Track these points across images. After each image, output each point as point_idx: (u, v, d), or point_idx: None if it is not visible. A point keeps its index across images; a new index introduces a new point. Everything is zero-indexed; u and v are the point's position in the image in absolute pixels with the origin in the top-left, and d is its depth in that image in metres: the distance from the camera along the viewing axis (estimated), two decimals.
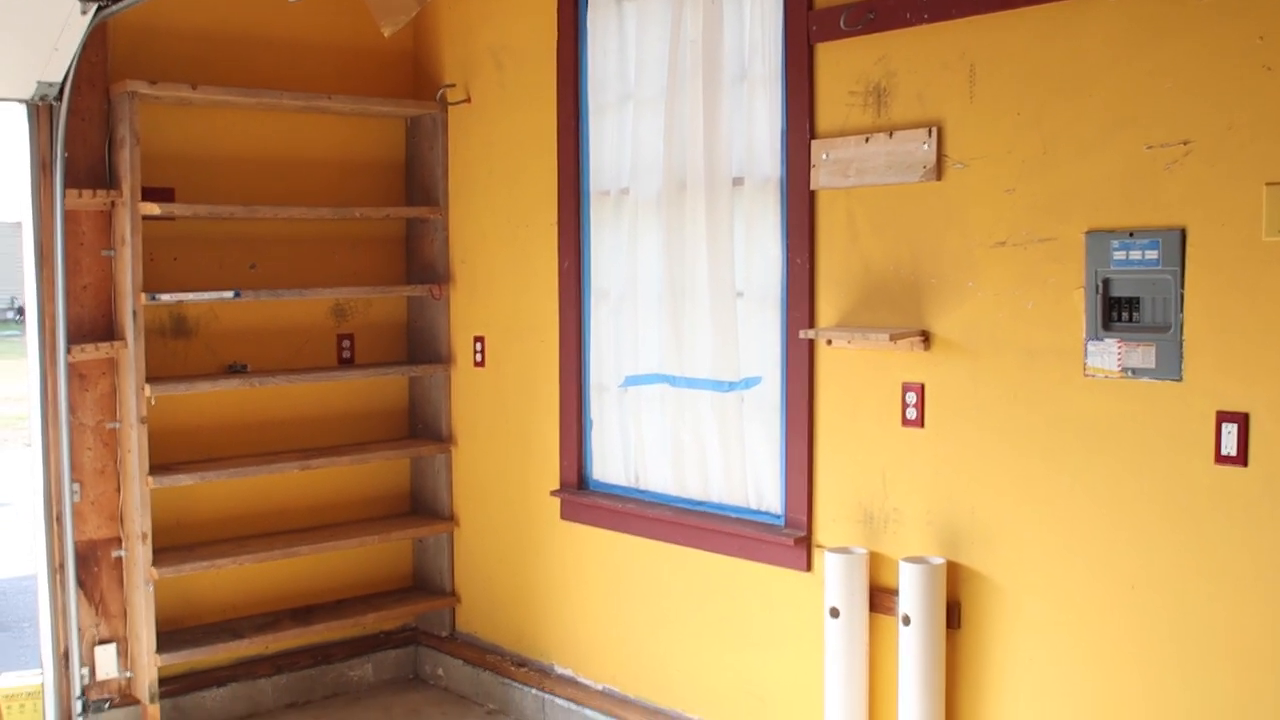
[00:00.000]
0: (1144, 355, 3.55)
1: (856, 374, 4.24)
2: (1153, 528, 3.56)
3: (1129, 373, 3.59)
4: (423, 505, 6.07)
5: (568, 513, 5.29)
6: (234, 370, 5.49)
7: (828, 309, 4.30)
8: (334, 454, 5.65)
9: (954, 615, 3.99)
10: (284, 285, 5.61)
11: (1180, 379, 3.49)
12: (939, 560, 3.99)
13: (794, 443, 4.40)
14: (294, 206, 5.46)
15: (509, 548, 5.63)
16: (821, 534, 4.36)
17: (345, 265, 5.85)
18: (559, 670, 5.41)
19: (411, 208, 5.87)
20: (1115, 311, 3.62)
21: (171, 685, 5.30)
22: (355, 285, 5.77)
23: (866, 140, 4.15)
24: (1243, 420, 3.37)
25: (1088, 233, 3.66)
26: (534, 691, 5.43)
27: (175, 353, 5.38)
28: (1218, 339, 3.42)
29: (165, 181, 5.25)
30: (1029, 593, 3.84)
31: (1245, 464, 3.37)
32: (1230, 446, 3.40)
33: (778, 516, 4.52)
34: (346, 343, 5.88)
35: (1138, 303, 3.58)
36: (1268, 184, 3.30)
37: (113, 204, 5.04)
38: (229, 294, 5.23)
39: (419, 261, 5.96)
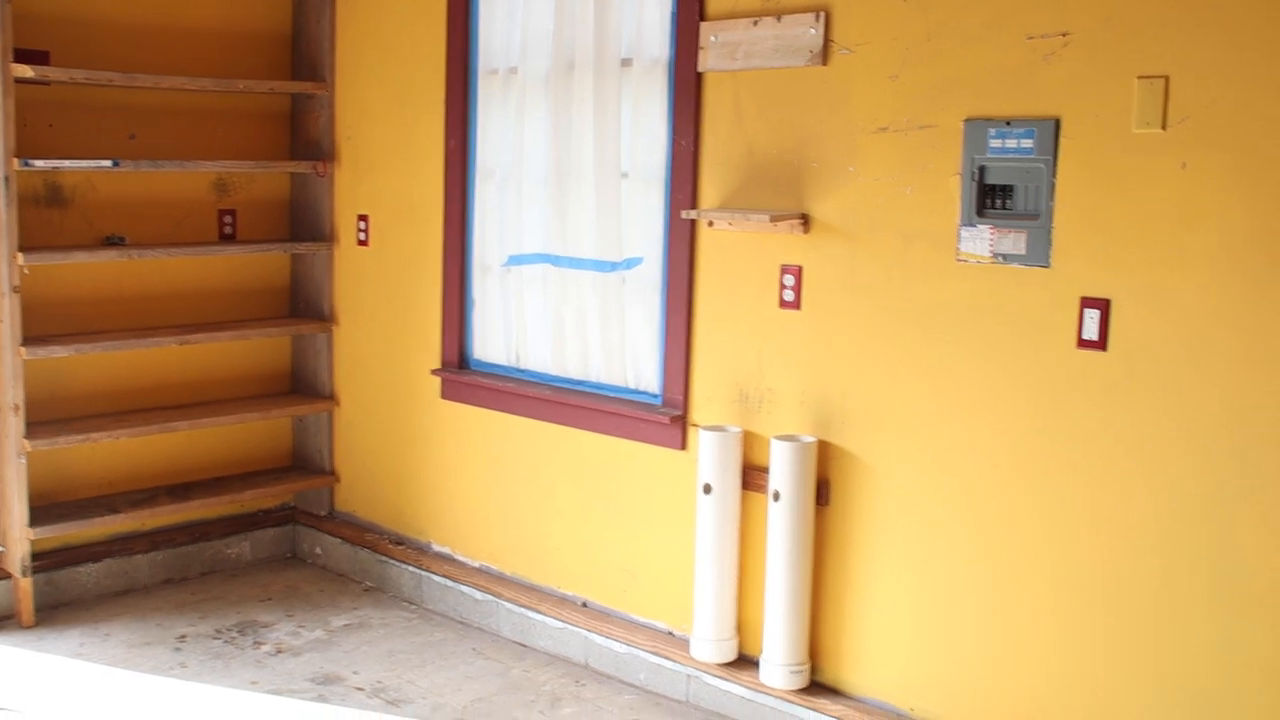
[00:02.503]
0: (1015, 242, 3.65)
1: (736, 256, 4.29)
2: (1017, 409, 3.68)
3: (1000, 258, 3.68)
4: (303, 384, 6.05)
5: (448, 392, 5.30)
6: (111, 242, 5.38)
7: (711, 191, 4.34)
8: (213, 330, 5.58)
9: (823, 492, 4.10)
10: (164, 157, 5.49)
11: (1048, 265, 3.59)
12: (810, 439, 4.08)
13: (673, 323, 4.45)
14: (175, 76, 5.33)
15: (389, 427, 5.64)
16: (697, 413, 4.43)
17: (228, 139, 5.75)
18: (436, 548, 5.46)
19: (297, 82, 5.77)
20: (989, 198, 3.71)
21: (45, 560, 5.24)
22: (238, 159, 5.66)
23: (755, 24, 4.17)
24: (1104, 306, 3.49)
25: (966, 121, 3.73)
26: (411, 569, 5.47)
27: (50, 222, 5.26)
28: (1085, 228, 3.52)
29: (40, 44, 5.09)
30: (896, 471, 3.95)
31: (1105, 348, 3.49)
32: (1092, 331, 3.51)
33: (655, 396, 4.59)
34: (228, 218, 5.79)
35: (1011, 190, 3.67)
36: (1139, 77, 3.39)
37: None
38: (107, 163, 5.10)
39: (303, 138, 5.87)
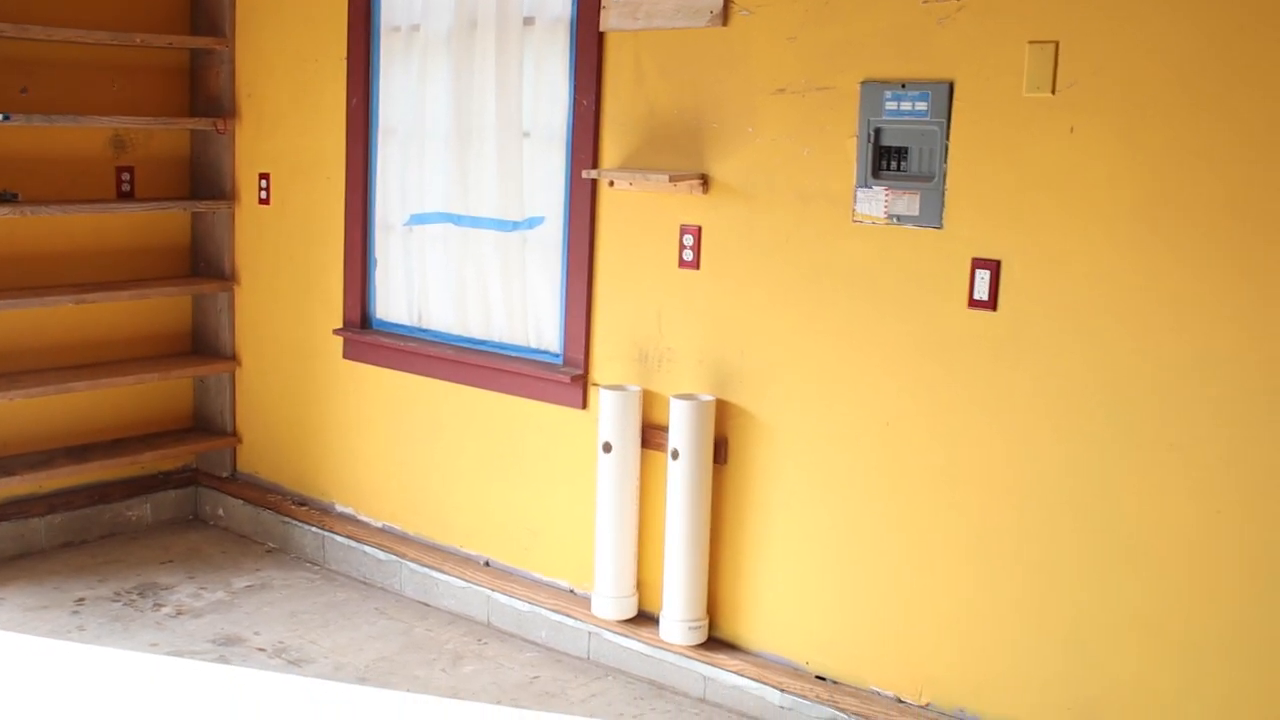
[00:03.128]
0: (909, 203, 3.70)
1: (637, 216, 4.31)
2: (909, 368, 3.74)
3: (894, 219, 3.73)
4: (204, 344, 5.98)
5: (350, 352, 5.28)
6: (3, 199, 5.26)
7: (612, 151, 4.35)
8: (112, 289, 5.50)
9: (721, 450, 4.14)
10: (59, 111, 5.39)
11: (941, 227, 3.65)
12: (708, 398, 4.12)
13: (574, 283, 4.47)
14: (69, 28, 5.22)
15: (291, 388, 5.60)
16: (598, 372, 4.46)
17: (125, 94, 5.64)
18: (339, 509, 5.44)
19: (196, 37, 5.67)
20: (884, 160, 3.76)
21: None
22: (135, 115, 5.57)
23: None
24: (995, 267, 3.55)
25: (863, 83, 3.77)
26: (314, 530, 5.46)
27: None
28: (977, 190, 3.58)
29: None
30: (793, 429, 4.00)
31: (995, 308, 3.56)
32: (983, 292, 3.58)
33: (556, 355, 4.60)
34: (126, 175, 5.70)
35: (906, 152, 3.72)
36: (1030, 42, 3.45)
37: None
38: None
39: (203, 94, 5.78)
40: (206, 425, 6.02)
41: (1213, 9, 3.16)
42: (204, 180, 5.84)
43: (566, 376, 4.48)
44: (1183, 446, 3.29)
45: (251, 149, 5.65)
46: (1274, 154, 3.10)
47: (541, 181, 4.60)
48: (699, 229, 4.15)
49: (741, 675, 4.12)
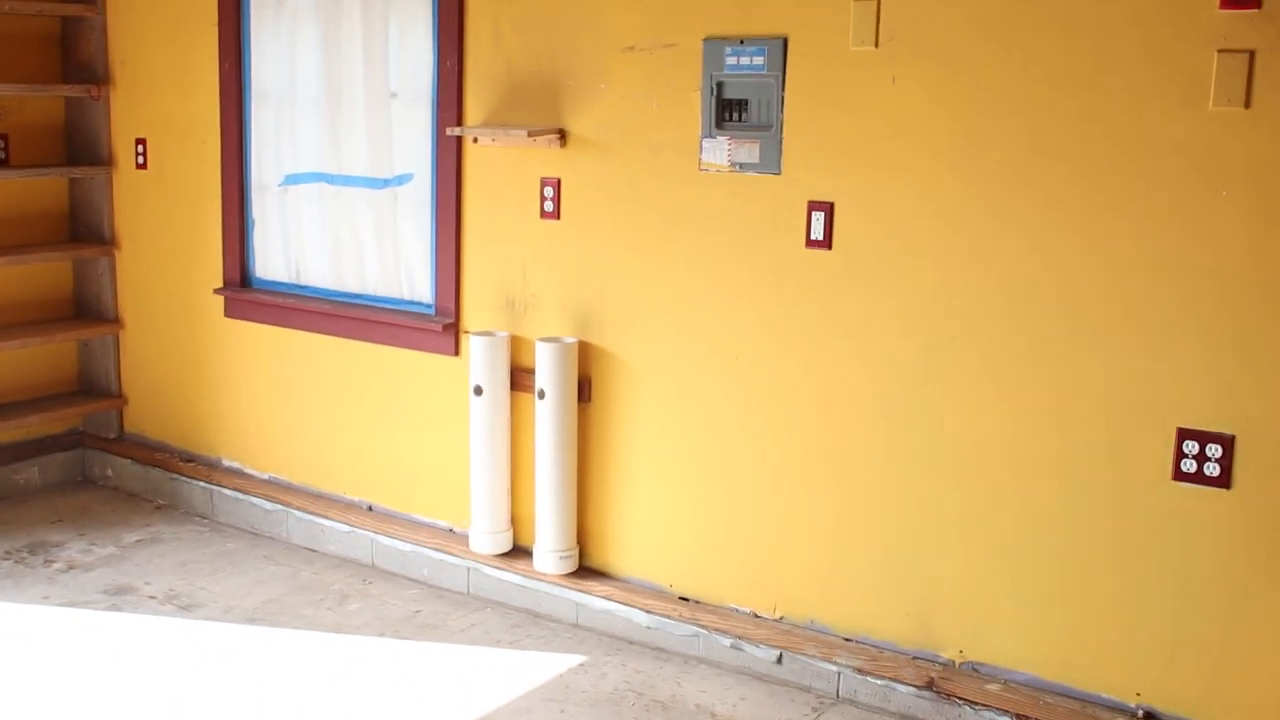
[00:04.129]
0: (750, 151, 3.96)
1: (500, 170, 4.53)
2: (753, 305, 4.02)
3: (737, 167, 3.99)
4: (87, 308, 6.08)
5: (231, 310, 5.44)
6: None
7: (475, 109, 4.56)
8: None
9: (585, 390, 4.40)
10: None
11: (779, 173, 3.92)
12: (571, 340, 4.37)
13: (443, 236, 4.68)
14: None
15: (175, 348, 5.75)
16: (468, 320, 4.68)
17: None
18: (226, 463, 5.61)
19: (66, 4, 5.74)
20: (727, 112, 4.01)
21: None
22: (6, 83, 5.65)
23: None
24: (829, 209, 3.83)
25: (705, 40, 4.02)
26: (201, 484, 5.62)
27: None
28: (811, 138, 3.85)
29: None
30: (651, 366, 4.27)
31: (830, 247, 3.85)
32: (818, 232, 3.86)
33: (429, 306, 4.82)
34: (1, 142, 5.78)
35: (746, 104, 3.98)
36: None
37: None
38: None
39: (76, 60, 5.87)
40: (92, 388, 6.14)
41: None
42: (81, 146, 5.94)
43: (439, 325, 4.70)
44: (994, 366, 3.61)
45: (127, 115, 5.76)
46: (1068, 92, 3.41)
47: (409, 140, 4.79)
48: (558, 181, 4.38)
49: (610, 600, 4.39)
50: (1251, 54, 3.15)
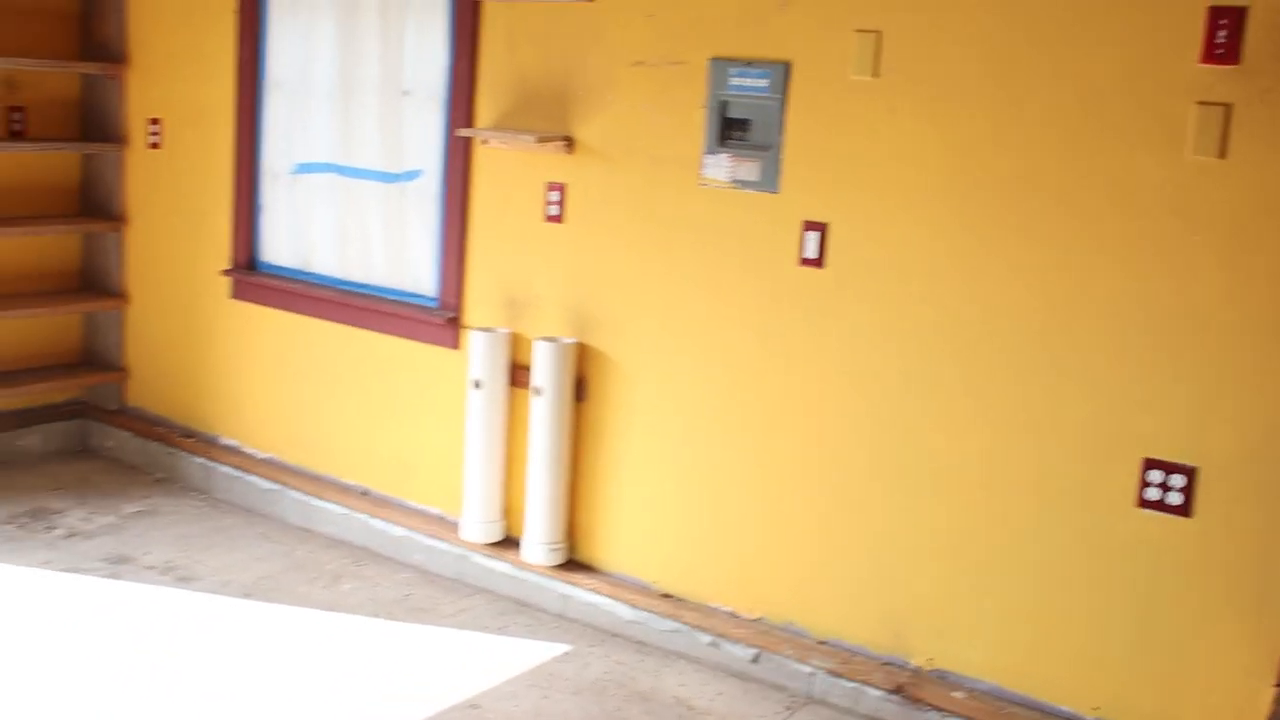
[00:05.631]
0: (750, 169, 4.12)
1: (508, 172, 4.68)
2: (748, 316, 4.18)
3: (737, 184, 4.15)
4: (94, 282, 6.22)
5: (238, 292, 5.59)
6: None
7: (486, 112, 4.70)
8: (3, 225, 5.72)
9: (581, 389, 4.56)
10: None
11: (777, 192, 4.08)
12: (569, 340, 4.53)
13: (449, 232, 4.83)
14: None
15: (180, 325, 5.89)
16: (470, 315, 4.84)
17: (16, 36, 5.81)
18: (225, 441, 5.76)
19: None
20: (729, 130, 4.17)
21: None
22: (27, 57, 5.77)
23: None
24: (823, 229, 4.00)
25: (712, 59, 4.17)
26: (200, 460, 5.77)
27: None
28: (809, 160, 4.02)
29: None
30: (645, 370, 4.43)
31: (822, 265, 4.01)
32: (812, 251, 4.02)
33: (432, 299, 4.97)
34: (18, 115, 5.90)
35: (748, 124, 4.14)
36: (857, 30, 3.87)
37: None
38: None
39: (95, 39, 6.00)
40: (96, 360, 6.28)
41: (1013, 11, 3.61)
42: (95, 123, 6.07)
43: (441, 319, 4.85)
44: (974, 390, 3.78)
45: (143, 95, 5.89)
46: (1056, 133, 3.58)
47: (420, 137, 4.94)
48: (564, 186, 4.54)
49: (596, 593, 4.55)
50: (1228, 107, 3.31)
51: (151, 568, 4.89)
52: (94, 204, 6.14)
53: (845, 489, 4.04)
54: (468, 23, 4.69)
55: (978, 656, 3.85)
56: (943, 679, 3.91)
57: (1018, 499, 3.75)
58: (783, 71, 4.02)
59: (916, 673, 3.95)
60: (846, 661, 4.04)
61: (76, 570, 4.82)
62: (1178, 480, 3.48)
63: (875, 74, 3.85)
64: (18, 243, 5.96)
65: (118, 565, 4.89)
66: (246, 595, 4.70)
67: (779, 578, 4.22)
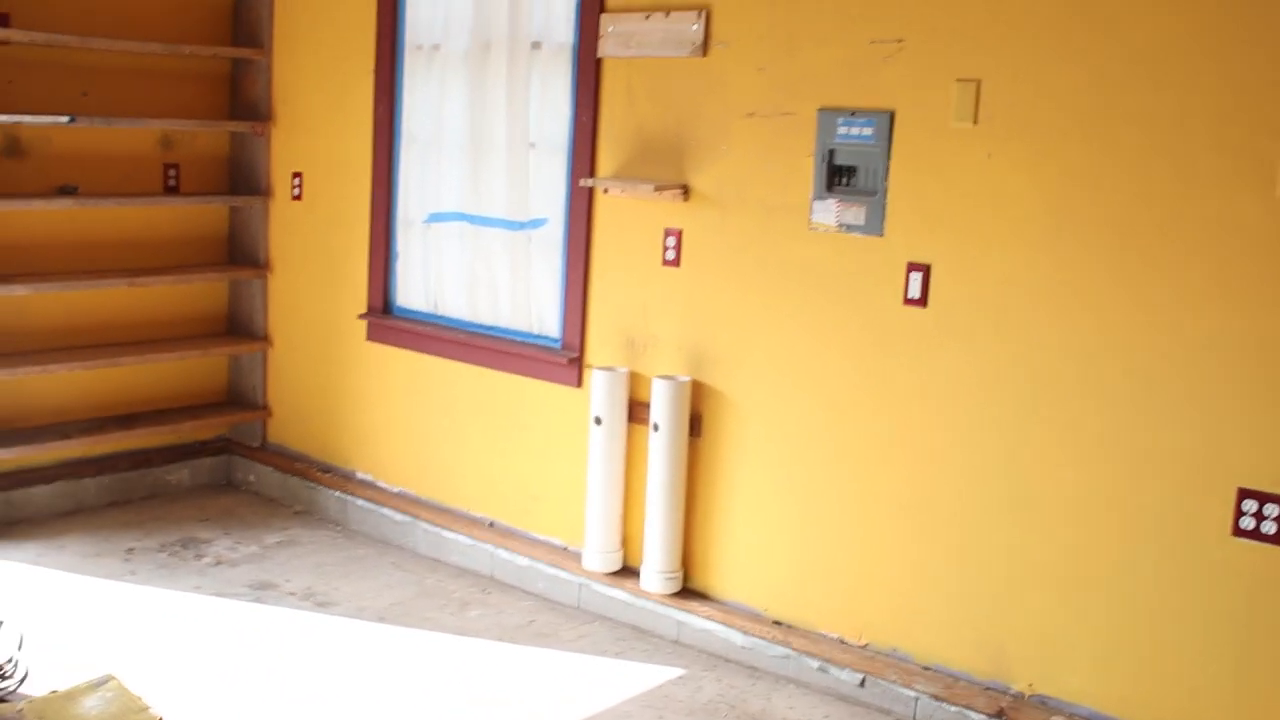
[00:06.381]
0: (856, 214, 4.32)
1: (627, 219, 4.93)
2: (855, 354, 4.37)
3: (844, 228, 4.35)
4: (239, 326, 6.61)
5: (373, 334, 5.91)
6: (65, 191, 5.88)
7: (607, 162, 4.97)
8: (159, 274, 6.12)
9: (696, 425, 4.77)
10: (114, 113, 6.00)
11: (882, 234, 4.27)
12: (685, 378, 4.75)
13: (572, 276, 5.10)
14: (127, 40, 5.84)
15: (318, 366, 6.24)
16: (591, 356, 5.09)
17: (173, 98, 6.26)
18: (360, 475, 6.07)
19: (237, 48, 6.29)
20: (837, 177, 4.37)
21: (2, 481, 5.78)
22: (182, 118, 6.19)
23: (647, 18, 4.79)
24: (926, 270, 4.17)
25: (820, 110, 4.39)
26: (336, 494, 6.09)
27: (9, 172, 5.76)
28: (912, 204, 4.20)
29: (1, 7, 5.57)
30: (757, 406, 4.63)
31: (925, 305, 4.19)
32: (916, 291, 4.20)
33: (556, 340, 5.24)
34: (173, 171, 6.32)
35: (854, 171, 4.34)
36: (957, 80, 4.06)
37: None
38: (64, 119, 5.62)
39: (243, 99, 6.41)
40: (240, 399, 6.66)
41: (1103, 62, 3.78)
42: (242, 177, 6.47)
43: (564, 359, 5.11)
44: (1066, 425, 3.92)
45: (286, 150, 6.28)
46: (1147, 181, 3.72)
47: (545, 187, 5.23)
48: (680, 232, 4.78)
49: (710, 620, 4.75)
50: None
51: (292, 594, 5.20)
52: (240, 253, 6.54)
53: (946, 519, 4.20)
54: (590, 78, 4.97)
55: (1078, 682, 3.97)
56: (1043, 704, 4.02)
57: (1115, 530, 3.87)
58: (887, 120, 4.22)
59: (1018, 698, 4.07)
60: (949, 687, 4.18)
61: (224, 595, 5.14)
62: (1272, 510, 3.58)
63: (975, 121, 4.03)
64: (171, 290, 6.36)
65: (261, 591, 5.20)
66: (380, 620, 4.98)
67: (884, 605, 4.37)
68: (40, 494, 5.96)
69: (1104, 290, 3.83)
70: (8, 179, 5.76)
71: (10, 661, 4.20)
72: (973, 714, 4.12)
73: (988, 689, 4.14)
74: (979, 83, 4.02)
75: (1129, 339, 3.80)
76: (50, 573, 5.26)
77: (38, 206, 5.67)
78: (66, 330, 6.05)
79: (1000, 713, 4.06)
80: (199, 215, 6.48)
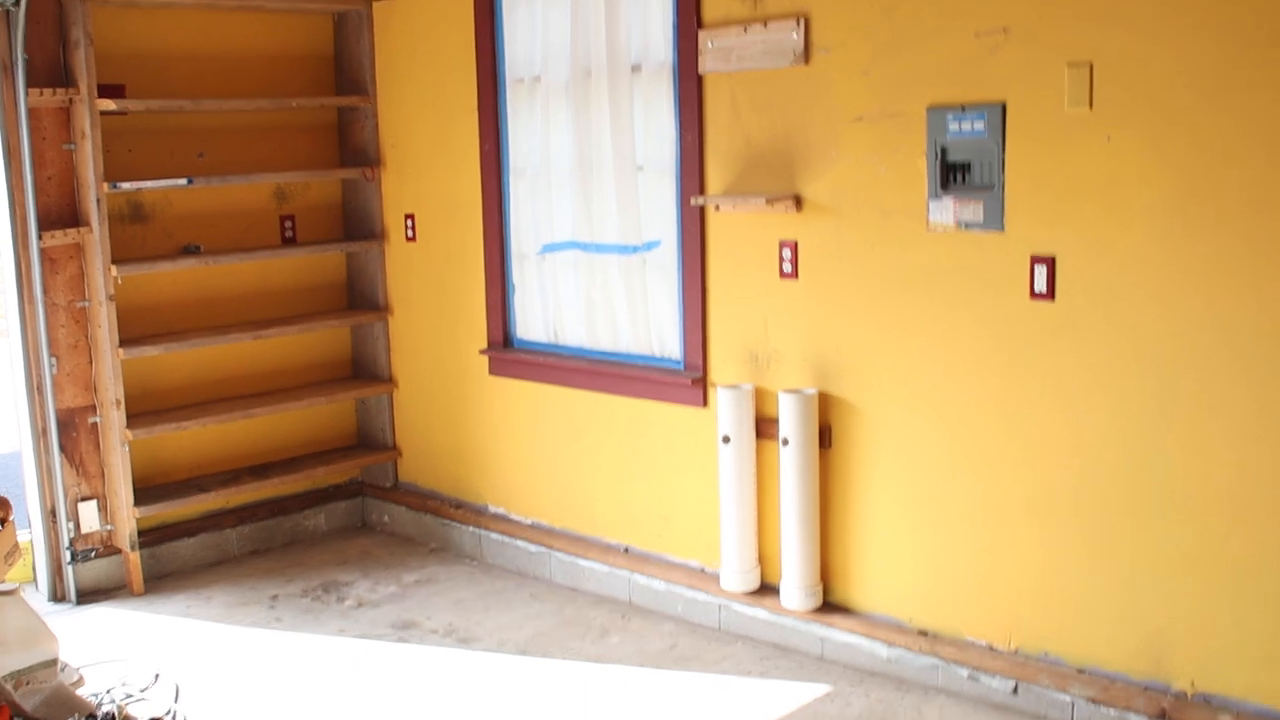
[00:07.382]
0: (974, 211, 4.23)
1: (741, 234, 4.90)
2: (980, 355, 4.28)
3: (963, 226, 4.27)
4: (363, 369, 6.70)
5: (495, 368, 5.94)
6: (189, 251, 6.02)
7: (716, 178, 4.94)
8: (282, 324, 6.23)
9: (825, 437, 4.71)
10: (231, 172, 6.13)
11: (1003, 229, 4.18)
12: (812, 391, 4.69)
13: (690, 296, 5.07)
14: (236, 99, 5.98)
15: (443, 403, 6.29)
16: (715, 374, 5.05)
17: (284, 152, 6.38)
18: (492, 509, 6.10)
19: (343, 97, 6.39)
20: (951, 174, 4.29)
21: (147, 537, 5.91)
22: (294, 170, 6.30)
23: (745, 30, 4.76)
24: (1051, 262, 4.08)
25: (929, 108, 4.31)
26: (471, 529, 6.12)
27: (134, 236, 5.91)
28: (1031, 195, 4.11)
29: (117, 79, 5.73)
30: (886, 414, 4.56)
31: (1053, 298, 4.09)
32: (1041, 284, 4.10)
33: (678, 361, 5.21)
34: (289, 223, 6.43)
35: (969, 167, 4.25)
36: (1069, 64, 3.96)
37: (70, 101, 5.52)
38: (182, 181, 5.76)
39: (351, 146, 6.50)
40: (369, 441, 6.74)
41: (1224, 27, 3.66)
42: (356, 223, 6.56)
43: (688, 379, 5.08)
44: (1216, 407, 3.78)
45: (397, 193, 6.35)
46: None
47: (656, 209, 5.21)
48: (795, 243, 4.73)
49: (853, 633, 4.68)
50: None
51: (435, 631, 5.23)
52: (360, 297, 6.62)
53: (1092, 516, 4.08)
54: (692, 96, 4.95)
55: (1243, 678, 3.83)
56: (1207, 702, 3.89)
57: (1268, 515, 3.73)
58: (999, 112, 4.14)
59: (1180, 697, 3.94)
60: (1106, 689, 4.06)
61: (368, 636, 5.19)
62: None
63: (1090, 105, 3.93)
64: (295, 339, 6.47)
65: (404, 630, 5.24)
66: (522, 652, 4.99)
67: (1033, 608, 4.27)
68: (185, 547, 6.09)
69: (1243, 264, 3.70)
70: (133, 243, 5.91)
71: (169, 713, 4.28)
72: (1133, 716, 3.99)
73: (1147, 689, 4.01)
74: (1091, 65, 3.92)
75: (1272, 313, 3.66)
76: (200, 624, 5.36)
77: (164, 268, 5.80)
78: (197, 386, 6.18)
79: (1163, 713, 3.93)
80: (317, 263, 6.58)
